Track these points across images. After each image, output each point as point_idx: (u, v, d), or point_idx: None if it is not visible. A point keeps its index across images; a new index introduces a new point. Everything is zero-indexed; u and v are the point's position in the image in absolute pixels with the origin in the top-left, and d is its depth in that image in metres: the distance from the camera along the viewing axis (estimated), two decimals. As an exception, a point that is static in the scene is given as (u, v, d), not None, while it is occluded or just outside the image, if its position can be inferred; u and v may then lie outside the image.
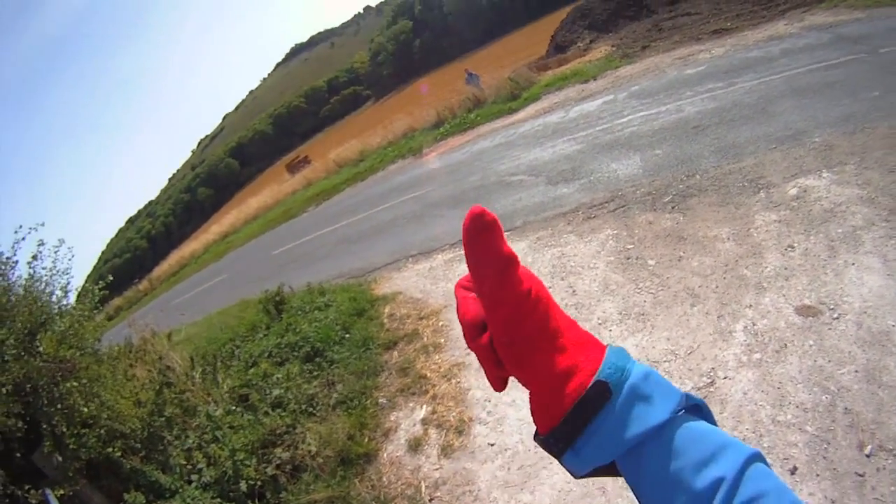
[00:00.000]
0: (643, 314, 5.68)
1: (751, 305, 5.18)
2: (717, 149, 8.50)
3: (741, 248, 6.03)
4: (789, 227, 6.03)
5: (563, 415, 0.62)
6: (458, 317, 0.69)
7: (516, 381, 0.68)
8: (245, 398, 6.67)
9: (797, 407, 4.01)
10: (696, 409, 0.64)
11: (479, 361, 0.70)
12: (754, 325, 4.93)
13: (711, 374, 4.61)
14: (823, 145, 7.33)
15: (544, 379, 0.63)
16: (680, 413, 0.61)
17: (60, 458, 5.23)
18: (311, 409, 6.24)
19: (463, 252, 0.63)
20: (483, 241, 0.62)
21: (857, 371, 4.09)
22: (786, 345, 4.58)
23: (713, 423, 0.63)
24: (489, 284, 0.63)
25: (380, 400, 6.21)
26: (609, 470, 0.63)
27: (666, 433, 0.59)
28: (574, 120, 13.52)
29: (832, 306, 4.77)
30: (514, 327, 0.63)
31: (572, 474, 0.64)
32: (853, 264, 5.13)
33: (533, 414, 0.66)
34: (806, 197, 6.40)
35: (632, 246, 6.99)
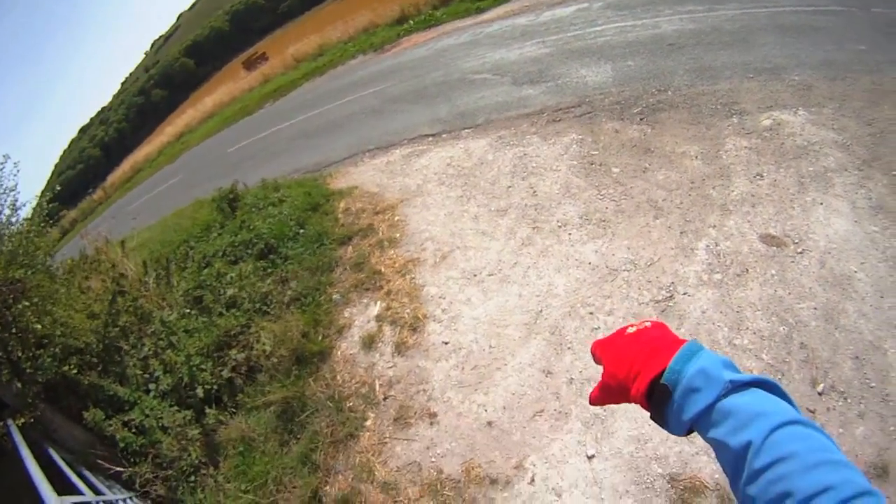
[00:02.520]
0: (604, 220, 5.67)
1: (714, 226, 5.22)
2: (692, 69, 8.42)
3: (709, 168, 6.05)
4: (760, 155, 6.07)
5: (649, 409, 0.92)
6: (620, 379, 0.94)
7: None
8: (199, 300, 6.54)
9: (754, 333, 4.10)
10: (761, 383, 0.82)
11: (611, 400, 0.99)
12: (717, 245, 4.99)
13: (671, 288, 4.66)
14: (802, 84, 7.34)
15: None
16: (728, 394, 0.81)
17: (20, 385, 5.09)
18: (265, 308, 6.15)
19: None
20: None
21: (815, 308, 4.19)
22: (747, 270, 4.66)
23: (783, 395, 0.82)
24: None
25: (334, 296, 6.12)
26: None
27: (713, 411, 0.82)
28: (545, 24, 13.13)
29: (797, 240, 4.86)
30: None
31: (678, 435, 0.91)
32: (821, 204, 5.21)
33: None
34: (779, 130, 6.44)
35: (596, 152, 6.92)
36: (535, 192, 6.52)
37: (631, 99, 7.97)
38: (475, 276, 5.59)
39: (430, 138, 9.10)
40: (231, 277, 6.72)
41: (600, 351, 1.00)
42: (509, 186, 6.81)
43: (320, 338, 5.62)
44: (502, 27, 14.37)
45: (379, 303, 5.79)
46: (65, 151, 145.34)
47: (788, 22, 9.45)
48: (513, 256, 5.63)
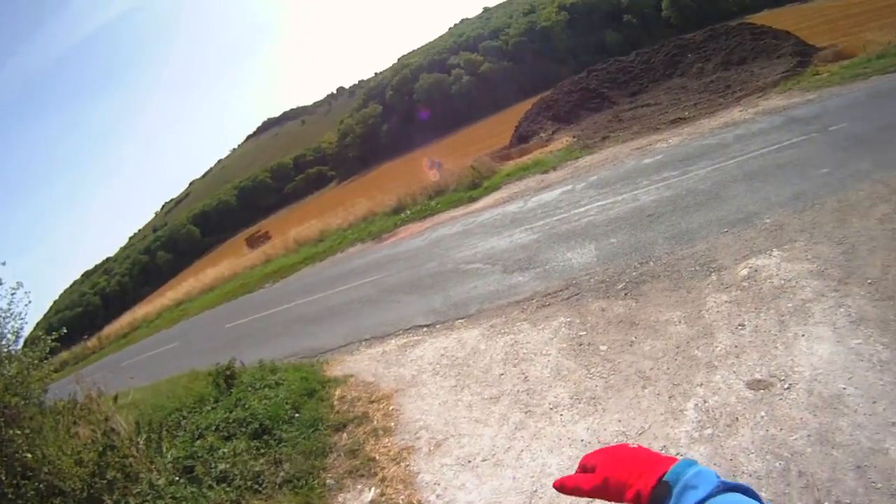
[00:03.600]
0: (594, 398, 5.80)
1: (702, 384, 5.35)
2: (670, 235, 8.94)
3: (692, 330, 6.27)
4: (740, 306, 6.33)
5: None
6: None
7: None
8: (190, 469, 6.55)
9: (750, 476, 4.14)
10: (744, 490, 0.95)
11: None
12: (705, 402, 5.09)
13: (663, 451, 4.71)
14: (774, 225, 7.80)
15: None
16: (718, 493, 0.94)
17: None
18: (256, 487, 6.18)
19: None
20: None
21: (809, 435, 4.26)
22: (737, 418, 4.74)
23: (757, 498, 0.94)
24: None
25: (327, 481, 6.17)
26: None
27: None
28: (532, 210, 14.01)
29: (783, 378, 4.98)
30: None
31: None
32: (803, 335, 5.40)
33: None
34: (756, 276, 6.75)
35: (584, 332, 7.19)
36: (526, 377, 6.71)
37: (615, 276, 8.38)
38: (469, 462, 5.65)
39: (425, 329, 9.44)
40: (223, 452, 6.75)
41: (595, 458, 1.14)
42: (501, 374, 7.01)
43: (313, 521, 5.59)
44: (493, 215, 15.28)
45: (373, 489, 5.81)
46: (65, 291, 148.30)
47: (756, 166, 10.13)
48: (506, 441, 5.72)
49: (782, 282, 6.38)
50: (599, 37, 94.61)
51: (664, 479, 1.00)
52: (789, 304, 5.94)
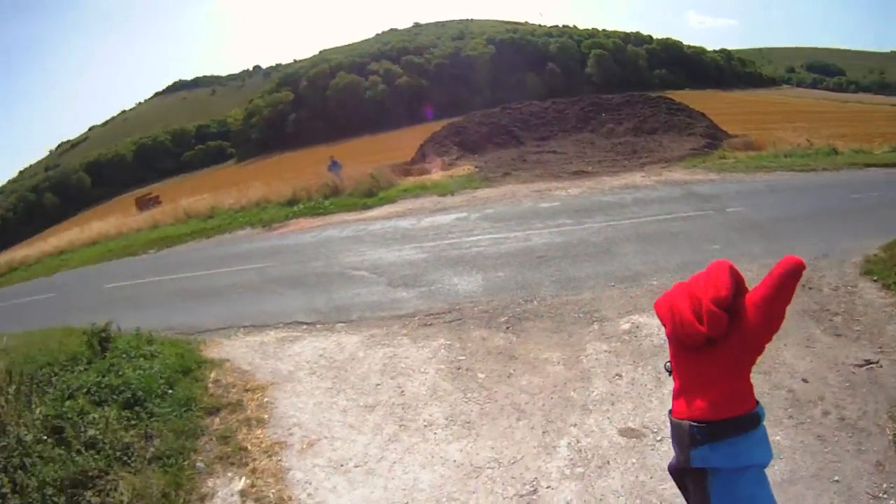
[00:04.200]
0: (469, 422, 5.87)
1: (576, 424, 5.53)
2: (557, 280, 9.25)
3: (570, 373, 6.49)
4: (619, 357, 6.62)
5: (727, 417, 0.79)
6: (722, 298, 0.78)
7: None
8: (59, 430, 6.19)
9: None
10: None
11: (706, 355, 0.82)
12: (578, 442, 5.26)
13: (535, 483, 4.82)
14: (659, 287, 8.22)
15: (737, 388, 0.80)
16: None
17: None
18: (125, 458, 5.90)
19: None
20: (793, 287, 0.78)
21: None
22: (608, 461, 4.92)
23: None
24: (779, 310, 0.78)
25: (197, 463, 5.95)
26: (680, 481, 0.85)
27: (761, 477, 0.79)
28: (425, 229, 14.13)
29: (655, 430, 5.25)
30: (764, 344, 0.79)
31: (678, 464, 0.83)
32: (677, 394, 5.63)
33: (694, 402, 0.81)
34: (637, 332, 7.09)
35: (463, 357, 7.28)
36: (402, 391, 6.71)
37: (499, 308, 8.56)
38: (342, 465, 5.59)
39: (305, 326, 9.30)
40: (94, 418, 6.42)
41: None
42: (378, 384, 6.98)
43: (181, 501, 5.42)
44: (385, 227, 15.28)
45: (244, 479, 5.66)
46: None
47: (650, 230, 10.62)
48: (379, 451, 5.69)
49: (662, 342, 6.68)
50: (521, 78, 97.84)
51: (758, 410, 0.80)
52: (667, 363, 6.22)
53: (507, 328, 7.91)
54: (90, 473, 5.56)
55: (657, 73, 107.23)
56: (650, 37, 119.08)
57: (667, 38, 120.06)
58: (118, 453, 5.94)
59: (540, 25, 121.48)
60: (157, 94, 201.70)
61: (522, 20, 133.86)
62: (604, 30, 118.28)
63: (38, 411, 6.51)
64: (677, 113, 22.11)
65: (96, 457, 5.80)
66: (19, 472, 5.40)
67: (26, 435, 5.87)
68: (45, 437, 5.99)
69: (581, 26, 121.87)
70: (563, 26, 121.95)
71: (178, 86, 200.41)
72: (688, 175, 15.13)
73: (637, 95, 24.79)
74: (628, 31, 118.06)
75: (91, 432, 6.13)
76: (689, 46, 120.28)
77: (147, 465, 5.86)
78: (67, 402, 6.83)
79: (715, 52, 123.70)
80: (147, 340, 8.89)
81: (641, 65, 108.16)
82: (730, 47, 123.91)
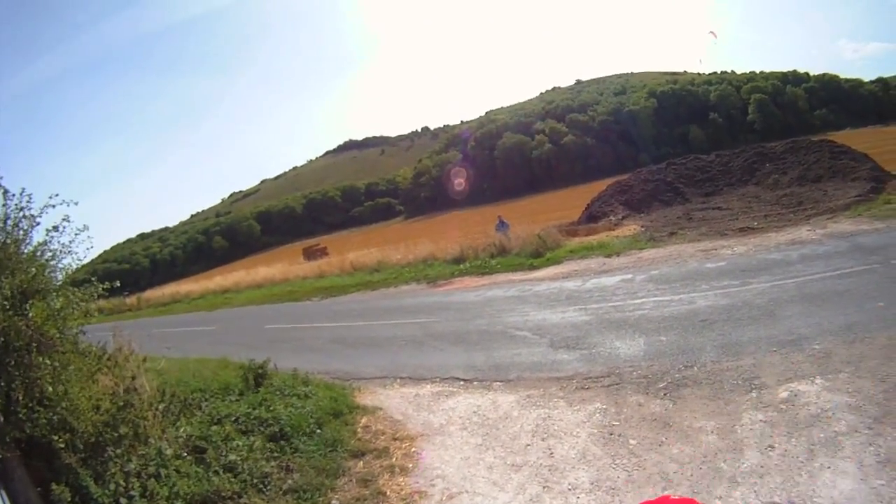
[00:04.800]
0: (614, 488, 6.03)
1: (721, 497, 5.53)
2: (719, 344, 9.13)
3: (723, 442, 6.46)
4: (773, 427, 6.50)
5: None
6: None
7: None
8: (200, 450, 6.87)
9: None
10: None
11: None
12: (721, 514, 5.28)
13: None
14: (822, 352, 7.95)
15: None
16: None
17: (2, 418, 5.47)
18: (262, 486, 6.43)
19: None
20: None
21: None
22: (749, 536, 4.93)
23: None
24: None
25: (332, 501, 6.41)
26: None
27: None
28: (589, 291, 14.33)
29: (798, 506, 5.15)
30: None
31: None
32: (829, 468, 5.55)
33: None
34: (796, 400, 6.92)
35: (617, 423, 7.43)
36: (552, 453, 6.96)
37: (658, 374, 8.60)
38: None
39: (462, 382, 9.73)
40: (237, 444, 7.04)
41: None
42: (528, 444, 7.26)
43: (312, 537, 5.76)
44: (550, 288, 15.64)
45: None
46: (117, 244, 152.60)
47: (815, 290, 10.25)
48: (519, 510, 5.95)
49: (819, 410, 6.53)
50: (684, 130, 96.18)
51: None
52: (821, 434, 6.09)
53: (665, 394, 7.94)
54: (223, 494, 6.09)
55: (817, 113, 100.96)
56: (807, 74, 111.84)
57: (824, 74, 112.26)
58: (255, 480, 6.46)
59: (699, 74, 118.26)
60: (328, 153, 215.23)
61: (681, 69, 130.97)
62: (761, 72, 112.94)
63: (182, 430, 7.19)
64: (841, 157, 20.82)
65: (233, 480, 6.34)
66: (152, 479, 5.97)
67: (167, 449, 6.48)
68: (185, 455, 6.62)
69: (738, 70, 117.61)
70: (722, 72, 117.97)
71: (349, 145, 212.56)
72: (853, 225, 14.32)
73: (801, 141, 23.61)
74: (784, 70, 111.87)
75: (232, 457, 6.71)
76: (847, 80, 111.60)
77: (282, 495, 6.35)
78: (214, 427, 7.53)
79: (871, 82, 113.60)
80: (303, 381, 9.61)
81: (801, 106, 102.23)
82: (886, 74, 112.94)
